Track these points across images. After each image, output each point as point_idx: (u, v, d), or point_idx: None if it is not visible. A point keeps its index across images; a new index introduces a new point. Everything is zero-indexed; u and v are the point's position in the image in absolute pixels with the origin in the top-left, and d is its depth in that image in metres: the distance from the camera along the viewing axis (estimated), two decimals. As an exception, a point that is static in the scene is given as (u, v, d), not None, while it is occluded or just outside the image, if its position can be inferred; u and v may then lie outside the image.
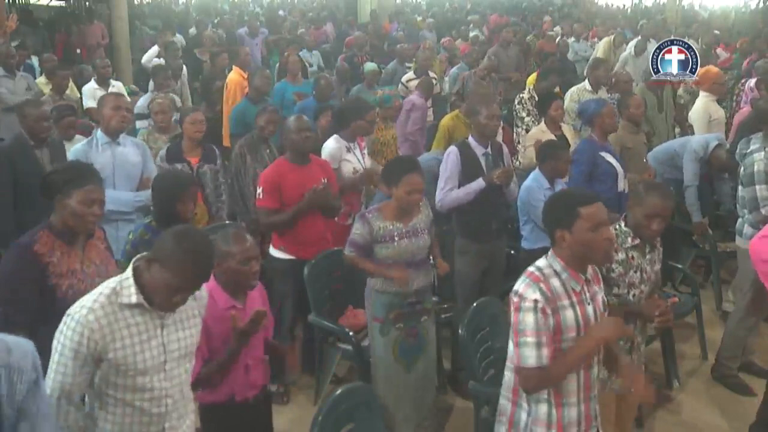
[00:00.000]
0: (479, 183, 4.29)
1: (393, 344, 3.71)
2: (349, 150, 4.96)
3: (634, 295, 3.11)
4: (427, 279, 3.80)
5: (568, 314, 2.49)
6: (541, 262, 2.58)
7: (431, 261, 3.95)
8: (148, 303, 2.27)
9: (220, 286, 2.94)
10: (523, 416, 2.60)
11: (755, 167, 4.26)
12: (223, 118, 7.20)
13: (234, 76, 7.42)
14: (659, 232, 3.12)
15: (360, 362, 4.05)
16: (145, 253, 2.35)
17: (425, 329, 3.83)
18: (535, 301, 2.44)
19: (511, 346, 2.60)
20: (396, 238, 3.63)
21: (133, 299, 2.25)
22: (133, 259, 2.34)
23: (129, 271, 2.29)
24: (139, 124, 6.58)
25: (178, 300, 2.28)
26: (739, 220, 4.52)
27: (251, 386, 3.03)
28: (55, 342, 2.23)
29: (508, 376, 2.67)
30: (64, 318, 2.24)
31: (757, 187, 4.24)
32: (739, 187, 4.44)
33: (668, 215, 3.17)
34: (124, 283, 2.27)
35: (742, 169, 4.43)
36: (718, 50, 11.15)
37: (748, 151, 4.37)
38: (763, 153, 4.26)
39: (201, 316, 2.51)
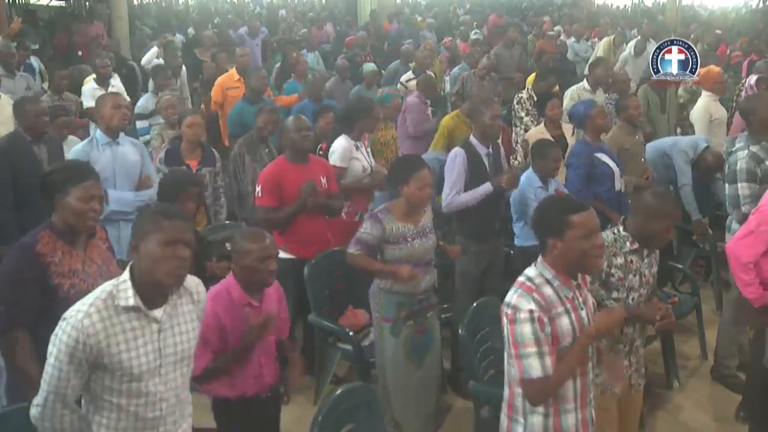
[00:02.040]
0: (487, 187, 4.29)
1: (404, 342, 3.72)
2: (357, 149, 4.99)
3: (633, 299, 3.10)
4: (432, 278, 3.82)
5: (564, 321, 2.47)
6: (530, 271, 2.55)
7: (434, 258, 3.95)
8: (145, 305, 2.26)
9: (238, 283, 2.98)
10: (519, 430, 2.57)
11: (738, 165, 4.28)
12: (219, 117, 7.22)
13: (222, 79, 7.43)
14: (668, 240, 3.14)
15: (360, 362, 4.05)
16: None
17: (432, 325, 3.85)
18: (531, 311, 2.41)
19: (507, 360, 2.56)
20: (409, 239, 3.63)
21: (130, 302, 2.23)
22: (130, 263, 2.33)
23: (126, 273, 2.27)
24: (139, 124, 6.58)
25: (181, 256, 2.23)
26: (729, 217, 4.54)
27: (263, 384, 3.05)
28: (50, 346, 2.21)
29: (505, 390, 2.64)
30: (60, 321, 2.21)
31: (739, 185, 4.26)
32: (726, 185, 4.46)
33: (675, 221, 3.20)
34: (120, 286, 2.25)
35: (726, 167, 4.46)
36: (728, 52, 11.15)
37: (734, 149, 4.40)
38: (746, 151, 4.28)
39: (200, 320, 2.50)
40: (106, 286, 2.27)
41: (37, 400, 2.25)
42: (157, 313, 2.28)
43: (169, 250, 2.22)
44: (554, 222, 2.49)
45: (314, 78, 6.93)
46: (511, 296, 2.49)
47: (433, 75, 8.38)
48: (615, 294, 3.07)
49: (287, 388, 3.15)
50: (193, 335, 2.43)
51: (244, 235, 3.02)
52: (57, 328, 2.21)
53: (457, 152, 4.38)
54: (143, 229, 2.26)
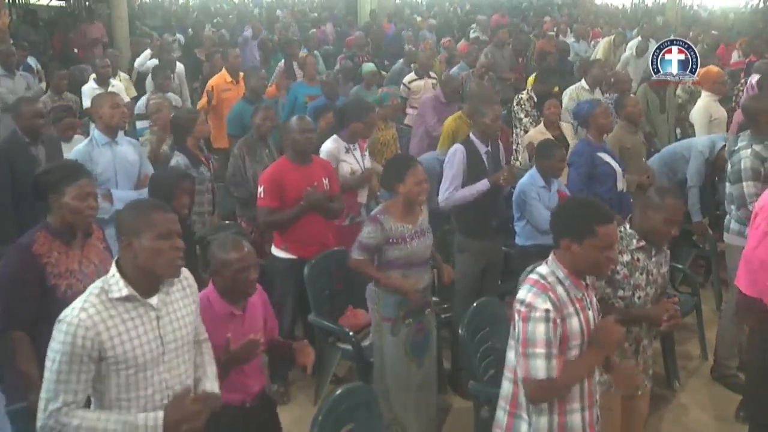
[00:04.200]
0: (484, 184, 4.29)
1: (404, 342, 3.73)
2: (348, 151, 4.93)
3: (639, 298, 3.10)
4: (429, 277, 3.83)
5: (574, 322, 2.48)
6: (543, 269, 2.55)
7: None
8: (140, 294, 2.25)
9: (218, 293, 2.87)
10: (524, 427, 2.57)
11: (742, 164, 4.27)
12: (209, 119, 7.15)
13: (214, 80, 7.36)
14: (672, 237, 3.12)
15: (360, 362, 4.05)
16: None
17: (429, 322, 3.86)
18: (547, 311, 2.41)
19: (511, 355, 2.57)
20: (408, 239, 3.64)
21: (123, 292, 2.23)
22: (115, 259, 2.32)
23: (113, 268, 2.28)
24: (139, 124, 6.58)
25: (176, 248, 2.27)
26: (727, 216, 4.53)
27: (247, 393, 2.96)
28: (49, 352, 2.18)
29: (507, 386, 2.63)
30: (56, 325, 2.19)
31: (744, 184, 4.25)
32: (727, 184, 4.45)
33: (681, 218, 3.18)
34: (110, 280, 2.25)
35: (729, 166, 4.45)
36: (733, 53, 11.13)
37: (736, 148, 4.40)
38: (750, 150, 4.27)
39: (196, 304, 2.50)
40: (96, 283, 2.27)
41: (39, 412, 2.19)
42: (153, 300, 2.29)
43: (166, 242, 2.25)
44: (579, 226, 2.48)
45: (329, 78, 6.93)
46: (526, 294, 2.48)
47: (435, 77, 8.36)
48: (620, 292, 3.07)
49: (287, 387, 3.11)
50: (190, 320, 2.43)
51: (221, 245, 2.88)
52: (54, 332, 2.18)
53: (457, 148, 4.39)
54: (135, 225, 2.26)
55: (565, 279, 2.50)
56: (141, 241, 2.23)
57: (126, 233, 2.26)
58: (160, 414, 2.24)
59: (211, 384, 2.53)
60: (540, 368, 2.41)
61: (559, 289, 2.48)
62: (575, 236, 2.47)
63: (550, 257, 2.57)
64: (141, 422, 2.21)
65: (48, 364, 2.18)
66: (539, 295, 2.45)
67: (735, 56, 10.97)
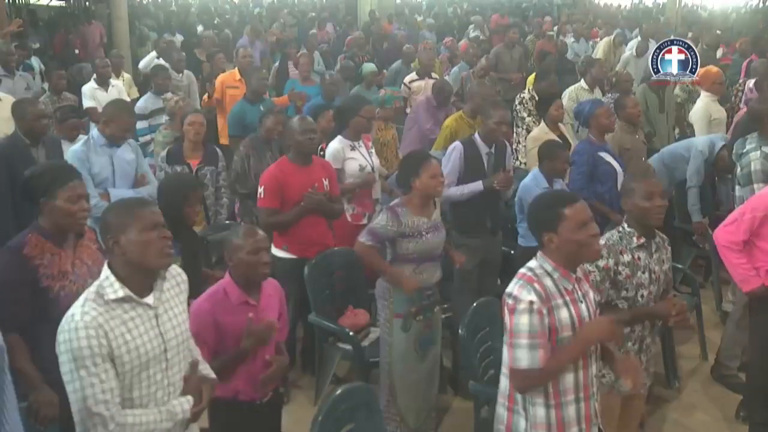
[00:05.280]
0: (477, 185, 4.31)
1: (415, 338, 3.75)
2: (353, 148, 4.93)
3: (642, 296, 3.10)
4: (439, 274, 3.86)
5: (563, 313, 2.49)
6: (532, 263, 2.59)
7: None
8: (135, 294, 2.25)
9: (234, 282, 2.97)
10: (522, 422, 2.59)
11: (752, 167, 4.28)
12: (218, 115, 7.23)
13: (223, 77, 7.44)
14: (663, 210, 3.10)
15: (360, 362, 4.05)
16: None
17: (437, 319, 3.90)
18: (531, 302, 2.44)
19: (505, 350, 2.59)
20: (424, 233, 3.67)
21: (119, 293, 2.22)
22: (106, 262, 2.32)
23: (106, 270, 2.27)
24: (138, 125, 6.57)
25: (164, 238, 2.28)
26: None
27: (258, 387, 3.00)
28: (65, 366, 2.16)
29: (504, 382, 2.65)
30: (60, 337, 2.17)
31: (755, 186, 4.25)
32: (737, 187, 4.45)
33: (661, 190, 3.14)
34: (104, 283, 2.24)
35: (738, 169, 4.45)
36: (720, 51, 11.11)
37: (744, 151, 4.39)
38: (759, 152, 4.28)
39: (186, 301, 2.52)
40: (90, 288, 2.27)
41: (79, 424, 2.19)
42: (149, 299, 2.29)
43: (154, 233, 2.26)
44: (547, 217, 2.53)
45: (331, 79, 6.94)
46: (513, 287, 2.53)
47: (436, 77, 8.34)
48: (624, 293, 3.08)
49: (287, 387, 3.13)
50: (186, 317, 2.45)
51: (235, 232, 3.05)
52: (61, 345, 2.17)
53: (456, 146, 4.44)
54: (119, 222, 2.26)
55: (554, 271, 2.53)
56: (128, 236, 2.23)
57: (111, 232, 2.26)
58: (190, 398, 2.35)
59: (206, 368, 2.57)
60: (522, 358, 2.46)
61: (547, 281, 2.51)
62: (549, 227, 2.51)
63: (539, 253, 2.60)
64: (178, 409, 2.31)
65: (69, 377, 2.17)
66: (524, 287, 2.49)
67: (720, 53, 10.94)
